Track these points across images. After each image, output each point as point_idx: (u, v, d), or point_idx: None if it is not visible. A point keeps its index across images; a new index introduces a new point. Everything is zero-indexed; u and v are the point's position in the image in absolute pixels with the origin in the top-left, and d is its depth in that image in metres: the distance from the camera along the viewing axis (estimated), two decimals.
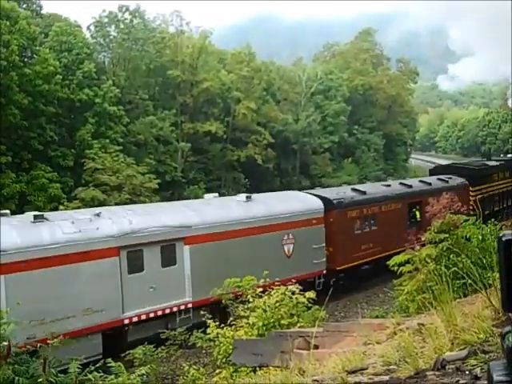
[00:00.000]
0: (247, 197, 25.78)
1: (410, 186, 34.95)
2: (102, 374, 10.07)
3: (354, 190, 31.93)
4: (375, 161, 79.75)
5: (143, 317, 20.01)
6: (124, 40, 55.27)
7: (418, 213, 33.30)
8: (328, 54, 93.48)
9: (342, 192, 30.84)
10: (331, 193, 30.60)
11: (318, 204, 27.85)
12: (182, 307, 21.12)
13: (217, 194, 29.41)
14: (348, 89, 77.61)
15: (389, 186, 35.12)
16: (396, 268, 14.02)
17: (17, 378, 8.06)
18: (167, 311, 20.84)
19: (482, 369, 4.22)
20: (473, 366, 4.33)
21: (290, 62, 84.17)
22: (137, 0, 58.41)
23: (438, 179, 37.26)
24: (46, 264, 17.74)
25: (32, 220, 18.40)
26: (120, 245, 19.61)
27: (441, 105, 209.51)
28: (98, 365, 10.25)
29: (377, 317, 15.87)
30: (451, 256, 11.81)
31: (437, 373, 4.39)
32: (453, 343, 4.93)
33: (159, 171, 52.28)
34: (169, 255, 21.22)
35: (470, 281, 6.67)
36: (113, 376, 10.24)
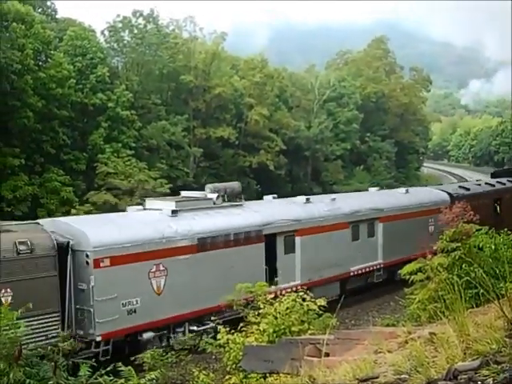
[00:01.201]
0: (406, 190, 34.82)
1: (493, 185, 40.28)
2: (112, 377, 10.11)
3: (460, 187, 38.18)
4: (387, 168, 79.58)
5: (357, 272, 28.55)
6: (137, 45, 55.56)
7: (498, 207, 36.20)
8: (341, 62, 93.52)
9: (455, 188, 37.60)
10: (448, 189, 37.08)
11: (446, 197, 33.98)
12: (377, 267, 29.63)
13: (376, 188, 39.05)
14: (360, 96, 77.57)
15: (479, 185, 40.89)
16: (408, 277, 13.95)
17: (28, 380, 8.10)
18: (368, 269, 29.28)
19: (494, 379, 4.19)
20: (485, 376, 4.30)
21: (303, 69, 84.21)
22: (151, 0, 58.38)
23: (508, 180, 42.24)
24: (315, 231, 26.23)
25: (304, 202, 27.17)
26: (349, 220, 28.14)
27: (454, 113, 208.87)
28: (108, 368, 10.27)
29: (388, 325, 15.77)
30: (463, 265, 11.76)
31: (449, 383, 4.37)
32: (465, 353, 4.90)
33: (171, 176, 52.39)
34: (370, 229, 29.71)
35: (482, 290, 6.64)
36: (123, 380, 10.26)
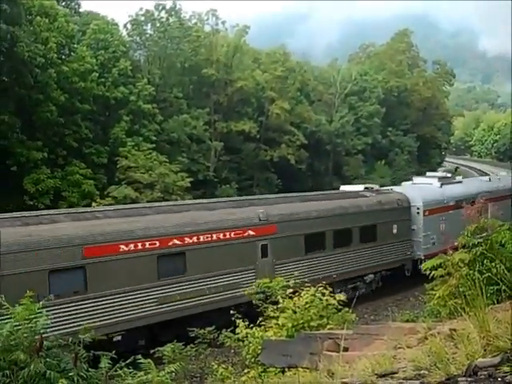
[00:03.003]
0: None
1: None
2: (131, 370, 10.16)
3: None
4: (409, 163, 79.02)
5: None
6: (160, 38, 55.67)
7: None
8: (363, 55, 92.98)
9: None
10: None
11: None
12: None
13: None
14: (383, 90, 77.08)
15: None
16: (428, 272, 13.87)
17: (48, 371, 8.17)
18: None
19: None
20: (505, 373, 4.26)
21: (325, 63, 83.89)
22: None
23: None
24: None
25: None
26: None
27: (477, 108, 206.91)
28: (128, 361, 10.33)
29: (407, 321, 15.71)
30: (485, 261, 11.66)
31: (469, 379, 4.34)
32: (485, 349, 4.86)
33: (192, 170, 52.48)
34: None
35: (504, 287, 6.58)
36: (142, 372, 10.32)
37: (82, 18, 55.91)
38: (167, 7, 56.96)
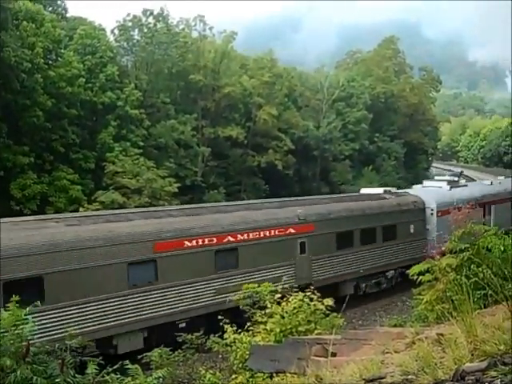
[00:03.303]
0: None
1: None
2: (119, 376, 10.12)
3: None
4: (396, 169, 79.32)
5: None
6: (147, 44, 55.63)
7: None
8: (351, 61, 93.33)
9: None
10: None
11: None
12: None
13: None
14: (370, 96, 77.38)
15: None
16: (415, 277, 13.92)
17: (35, 377, 8.10)
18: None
19: (502, 381, 4.17)
20: (493, 377, 4.28)
21: (312, 69, 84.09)
22: None
23: None
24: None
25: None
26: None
27: (463, 114, 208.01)
28: (115, 366, 10.29)
29: (395, 325, 15.75)
30: (472, 266, 11.72)
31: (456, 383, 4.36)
32: (473, 354, 4.88)
33: (179, 175, 52.44)
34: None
35: (490, 291, 6.62)
36: (130, 378, 10.28)
37: (69, 23, 55.77)
38: (155, 13, 56.96)
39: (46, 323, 17.94)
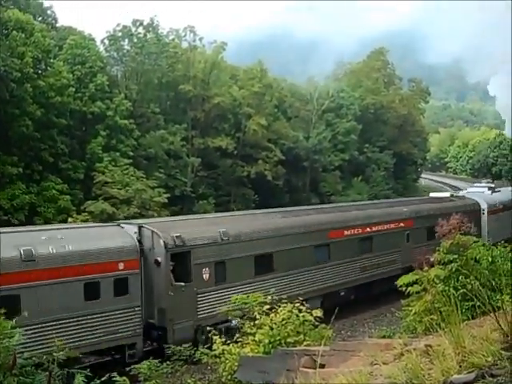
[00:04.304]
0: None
1: None
2: None
3: None
4: (385, 179, 79.48)
5: None
6: (137, 54, 55.60)
7: None
8: (340, 72, 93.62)
9: None
10: None
11: None
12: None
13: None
14: (359, 107, 77.59)
15: None
16: (404, 288, 13.94)
17: None
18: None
19: None
20: None
21: (303, 80, 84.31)
22: (151, 0, 58.52)
23: None
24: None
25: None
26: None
27: (452, 125, 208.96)
28: (103, 379, 10.22)
29: (384, 337, 15.75)
30: (460, 277, 11.75)
31: None
32: (460, 366, 4.88)
33: (169, 185, 52.34)
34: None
35: (478, 303, 6.62)
36: None
37: (59, 33, 55.71)
38: (145, 23, 57.00)
39: (275, 284, 25.44)
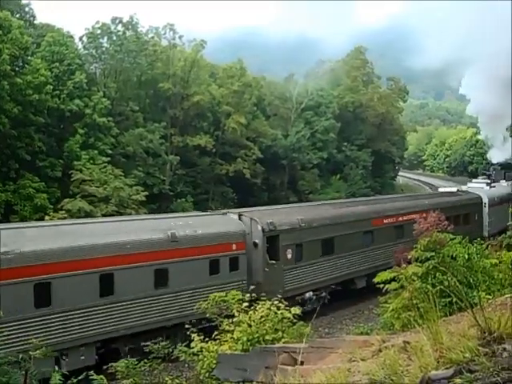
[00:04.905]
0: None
1: None
2: None
3: None
4: (363, 178, 79.76)
5: None
6: (116, 52, 55.27)
7: None
8: (320, 71, 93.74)
9: None
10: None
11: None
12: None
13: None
14: (338, 106, 77.81)
15: None
16: (381, 285, 14.00)
17: None
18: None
19: None
20: None
21: (282, 78, 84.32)
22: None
23: None
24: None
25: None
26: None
27: (429, 124, 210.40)
28: (80, 377, 10.15)
29: (362, 333, 15.82)
30: (437, 274, 11.82)
31: None
32: (438, 362, 4.89)
33: (147, 183, 52.17)
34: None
35: (455, 299, 6.66)
36: None
37: (37, 30, 55.26)
38: (124, 21, 56.69)
39: (334, 264, 32.62)
